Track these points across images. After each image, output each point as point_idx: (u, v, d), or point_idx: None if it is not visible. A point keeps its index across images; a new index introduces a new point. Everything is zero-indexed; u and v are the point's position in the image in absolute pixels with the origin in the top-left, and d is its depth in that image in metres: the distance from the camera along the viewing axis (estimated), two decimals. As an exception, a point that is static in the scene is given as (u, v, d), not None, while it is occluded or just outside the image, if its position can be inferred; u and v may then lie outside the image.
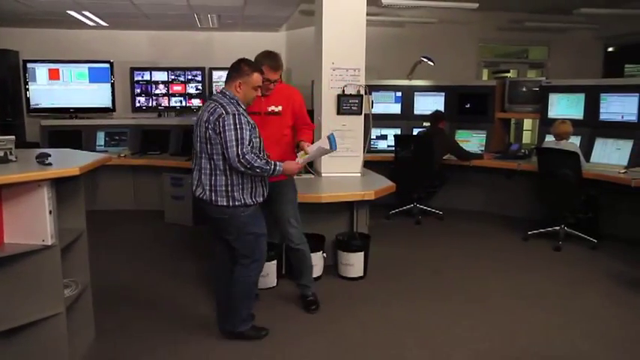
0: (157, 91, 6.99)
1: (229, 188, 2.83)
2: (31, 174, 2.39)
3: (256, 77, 2.90)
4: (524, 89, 6.19)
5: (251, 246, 2.97)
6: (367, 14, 4.42)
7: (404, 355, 2.97)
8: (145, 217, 5.96)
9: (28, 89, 6.56)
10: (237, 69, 2.89)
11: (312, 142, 3.34)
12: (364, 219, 4.22)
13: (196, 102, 7.04)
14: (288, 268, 3.91)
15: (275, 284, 3.85)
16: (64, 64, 6.62)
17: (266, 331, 3.14)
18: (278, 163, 2.90)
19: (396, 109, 6.52)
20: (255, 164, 2.76)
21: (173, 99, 7.03)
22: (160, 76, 6.97)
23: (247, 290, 3.04)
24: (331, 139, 3.17)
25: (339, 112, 4.42)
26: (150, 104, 6.99)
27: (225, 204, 2.84)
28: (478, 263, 4.48)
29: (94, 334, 3.08)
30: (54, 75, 6.59)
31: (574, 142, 5.01)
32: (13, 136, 2.67)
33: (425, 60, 6.43)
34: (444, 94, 6.45)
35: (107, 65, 6.72)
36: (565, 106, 5.59)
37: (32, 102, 6.59)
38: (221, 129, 2.74)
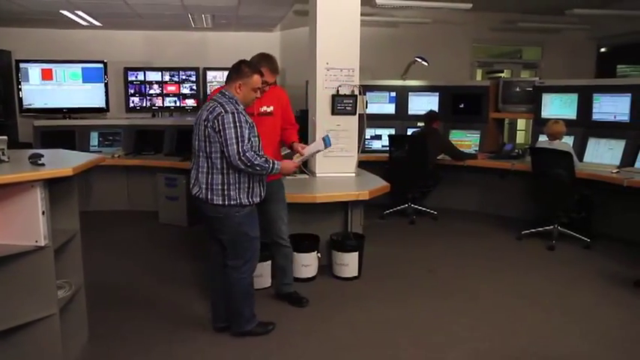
0: (151, 92, 6.98)
1: (225, 187, 2.84)
2: (24, 174, 2.38)
3: (256, 79, 2.91)
4: (517, 89, 6.22)
5: (243, 247, 2.97)
6: (361, 14, 4.42)
7: (399, 355, 2.97)
8: (139, 217, 5.94)
9: (20, 89, 6.53)
10: (238, 70, 2.90)
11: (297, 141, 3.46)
12: (359, 219, 4.23)
13: (190, 102, 7.03)
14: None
15: (269, 284, 3.84)
16: (57, 64, 6.60)
17: (273, 325, 3.19)
18: (276, 161, 2.93)
19: (390, 109, 6.53)
20: (256, 162, 2.78)
21: (167, 99, 7.02)
22: (154, 76, 6.97)
23: (245, 291, 3.06)
24: (326, 140, 3.24)
25: (333, 112, 4.43)
26: (144, 104, 6.98)
27: (220, 203, 2.85)
28: (472, 262, 4.49)
29: (87, 335, 3.07)
30: (47, 75, 6.57)
31: (567, 142, 5.05)
32: (6, 137, 2.66)
33: (419, 60, 6.45)
34: (438, 94, 6.46)
35: (101, 65, 6.70)
36: (558, 106, 5.62)
37: (25, 102, 6.56)
38: (220, 127, 2.75)
